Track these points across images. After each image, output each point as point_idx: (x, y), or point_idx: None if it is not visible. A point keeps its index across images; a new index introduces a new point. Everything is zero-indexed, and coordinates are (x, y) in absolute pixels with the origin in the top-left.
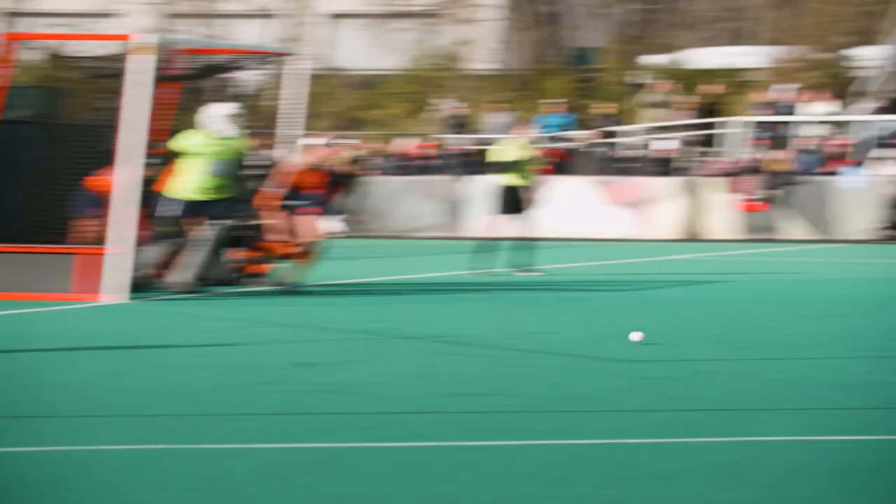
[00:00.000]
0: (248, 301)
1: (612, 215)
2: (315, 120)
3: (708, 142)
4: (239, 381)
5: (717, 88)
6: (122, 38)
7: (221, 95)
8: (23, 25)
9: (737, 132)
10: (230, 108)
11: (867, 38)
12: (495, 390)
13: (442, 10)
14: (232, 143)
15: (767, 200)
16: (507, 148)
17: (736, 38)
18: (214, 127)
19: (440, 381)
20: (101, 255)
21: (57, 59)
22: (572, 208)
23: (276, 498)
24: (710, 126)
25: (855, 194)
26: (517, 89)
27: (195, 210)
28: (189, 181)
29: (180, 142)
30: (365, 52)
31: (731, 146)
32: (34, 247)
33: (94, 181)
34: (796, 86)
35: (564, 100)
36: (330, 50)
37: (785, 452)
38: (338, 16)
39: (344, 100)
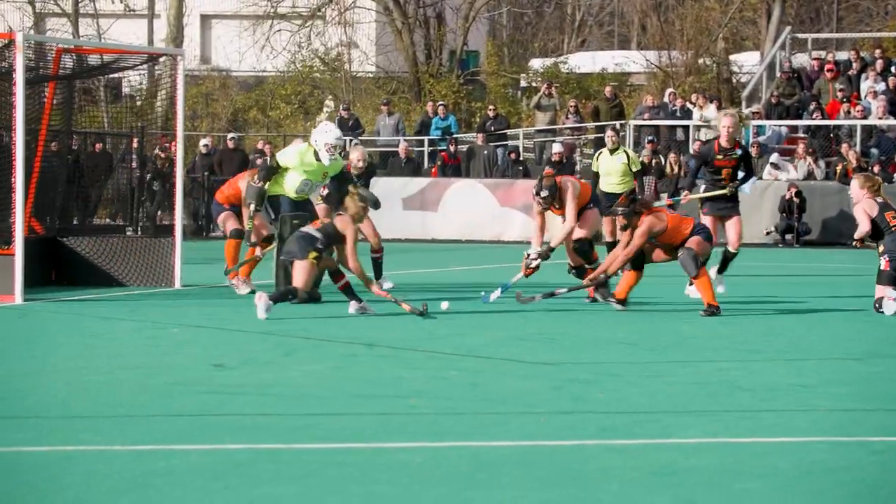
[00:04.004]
0: (153, 302)
1: (508, 218)
2: (199, 121)
3: (599, 144)
4: (156, 382)
5: (606, 91)
6: (4, 36)
7: (107, 96)
8: None
9: (627, 135)
10: (337, 132)
11: (747, 44)
12: (412, 392)
13: (321, 12)
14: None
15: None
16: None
17: (621, 43)
18: (322, 143)
19: (355, 382)
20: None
21: None
22: (466, 211)
23: (199, 500)
24: (600, 129)
25: (747, 198)
26: (400, 92)
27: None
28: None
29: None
30: (246, 53)
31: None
32: None
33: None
34: (671, 90)
35: (447, 102)
36: (209, 51)
37: (704, 455)
38: (213, 17)
39: (228, 101)
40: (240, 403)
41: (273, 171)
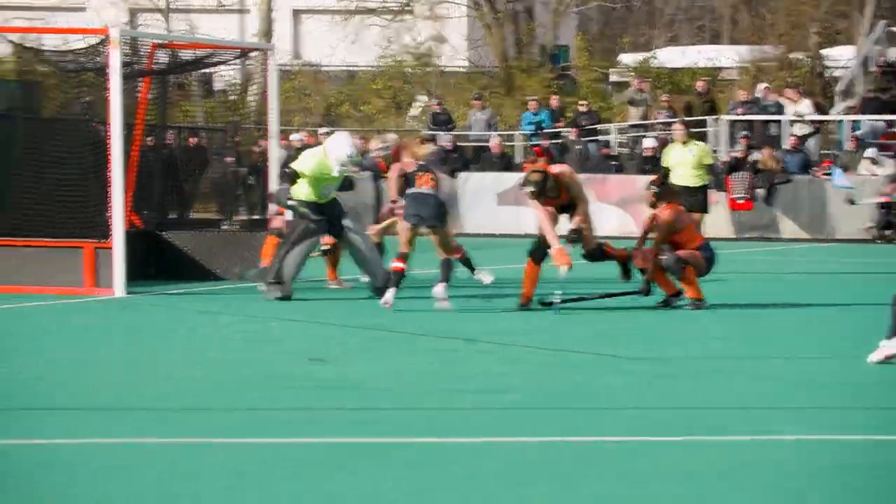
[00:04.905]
0: (250, 296)
1: (600, 213)
2: (292, 115)
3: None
4: (255, 376)
5: (698, 86)
6: (100, 31)
7: (200, 90)
8: None
9: (720, 131)
10: (349, 147)
11: (840, 38)
12: (509, 387)
13: (413, 7)
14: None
15: (753, 199)
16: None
17: (711, 38)
18: (333, 158)
19: (452, 378)
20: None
21: (28, 52)
22: None
23: (302, 492)
24: (693, 124)
25: (843, 194)
26: (492, 87)
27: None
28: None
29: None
30: (337, 48)
31: (715, 145)
32: (36, 240)
33: None
34: (764, 85)
35: (539, 97)
36: (300, 46)
37: (802, 451)
38: (304, 11)
39: (321, 96)
40: (337, 398)
41: (294, 178)
